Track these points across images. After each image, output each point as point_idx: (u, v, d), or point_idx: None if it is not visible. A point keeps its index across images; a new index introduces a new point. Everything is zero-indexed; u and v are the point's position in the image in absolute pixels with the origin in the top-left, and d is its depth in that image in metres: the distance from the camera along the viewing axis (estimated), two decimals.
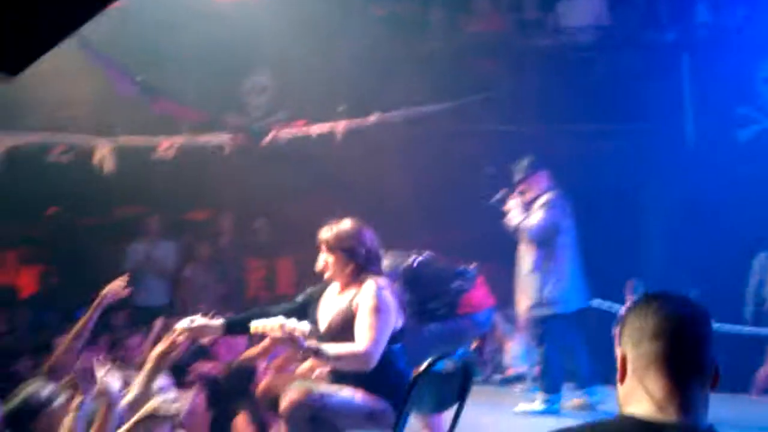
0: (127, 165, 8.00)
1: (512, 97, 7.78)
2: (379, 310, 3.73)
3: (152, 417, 2.88)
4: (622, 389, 1.60)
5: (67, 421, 2.90)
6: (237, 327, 4.10)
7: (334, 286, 4.05)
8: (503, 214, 6.13)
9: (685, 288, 6.03)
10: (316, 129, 7.66)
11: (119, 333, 6.49)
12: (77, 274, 8.15)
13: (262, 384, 4.19)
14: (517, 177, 6.19)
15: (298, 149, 7.61)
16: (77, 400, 2.96)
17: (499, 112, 7.79)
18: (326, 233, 4.00)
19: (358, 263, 3.91)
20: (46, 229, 11.71)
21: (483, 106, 7.70)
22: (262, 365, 4.79)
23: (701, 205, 7.55)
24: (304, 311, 4.04)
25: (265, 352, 4.54)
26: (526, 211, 6.07)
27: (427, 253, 4.78)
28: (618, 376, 1.60)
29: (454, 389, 3.10)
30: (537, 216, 6.01)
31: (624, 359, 1.61)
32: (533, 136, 7.45)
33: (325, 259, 3.99)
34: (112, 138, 8.06)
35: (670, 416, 1.52)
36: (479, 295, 4.75)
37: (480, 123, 7.67)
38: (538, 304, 6.04)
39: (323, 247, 4.00)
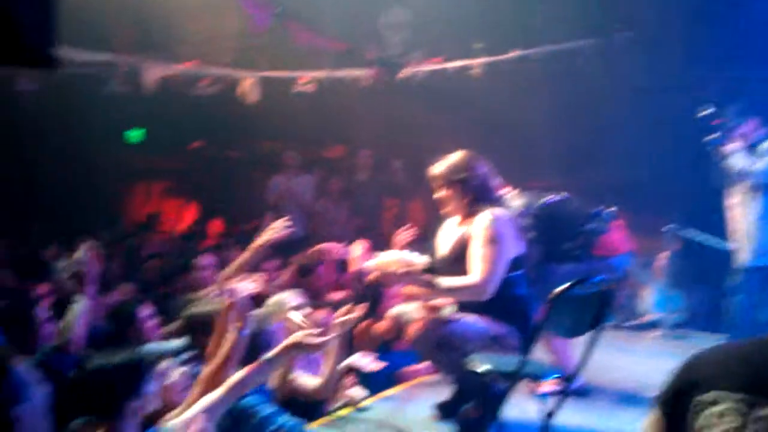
0: (268, 99, 8.21)
1: (656, 35, 7.38)
2: (493, 240, 3.72)
3: (298, 346, 3.01)
4: None
5: (231, 335, 3.14)
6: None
7: (452, 219, 4.04)
8: (720, 157, 5.84)
9: None
10: (454, 65, 7.57)
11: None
12: (219, 205, 8.52)
13: (390, 312, 4.31)
14: (735, 122, 5.90)
15: (435, 86, 7.55)
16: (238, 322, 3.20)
17: (643, 50, 7.41)
18: (439, 168, 3.98)
19: (474, 194, 3.89)
20: (191, 162, 12.29)
21: (627, 43, 7.34)
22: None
23: None
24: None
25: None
26: (748, 156, 5.80)
27: (563, 194, 4.69)
28: None
29: (589, 316, 3.06)
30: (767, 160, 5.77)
31: None
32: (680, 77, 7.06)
33: (440, 195, 3.99)
34: (254, 71, 8.28)
35: None
36: (616, 238, 4.63)
37: (623, 61, 7.33)
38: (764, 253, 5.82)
39: (438, 183, 4.00)
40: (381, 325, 4.96)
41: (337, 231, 8.23)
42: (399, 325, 4.09)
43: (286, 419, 3.52)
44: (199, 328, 3.84)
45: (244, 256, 4.39)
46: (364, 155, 9.19)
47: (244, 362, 2.99)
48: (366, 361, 4.43)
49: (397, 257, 3.64)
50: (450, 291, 3.73)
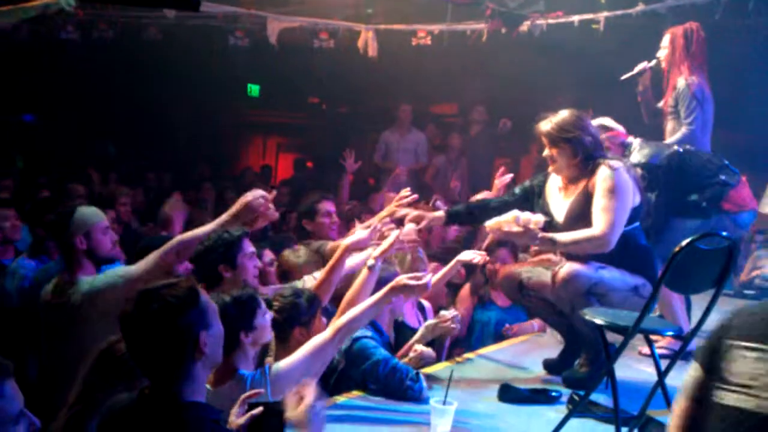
0: (385, 53, 8.20)
1: None
2: (615, 192, 3.66)
3: (403, 288, 3.06)
4: None
5: (363, 272, 3.47)
6: (456, 217, 4.35)
7: (557, 179, 3.97)
8: None
9: None
10: (576, 18, 7.30)
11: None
12: (331, 161, 8.62)
13: (504, 270, 4.28)
14: None
15: (555, 41, 7.32)
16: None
17: None
18: (546, 126, 3.87)
19: (586, 151, 3.79)
20: (305, 117, 12.49)
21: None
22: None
23: None
24: (523, 203, 4.04)
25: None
26: None
27: (691, 147, 4.52)
28: None
29: (713, 273, 2.93)
30: None
31: None
32: None
33: (549, 153, 3.89)
34: (373, 25, 8.27)
35: None
36: (743, 194, 4.41)
37: (755, 18, 6.89)
38: None
39: (545, 141, 3.89)
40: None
41: (446, 187, 8.20)
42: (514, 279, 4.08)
43: (399, 362, 3.59)
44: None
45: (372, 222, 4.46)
46: (478, 111, 9.07)
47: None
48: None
49: (513, 215, 3.61)
50: (573, 244, 3.69)
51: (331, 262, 3.63)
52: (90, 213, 3.57)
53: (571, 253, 3.83)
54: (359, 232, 3.74)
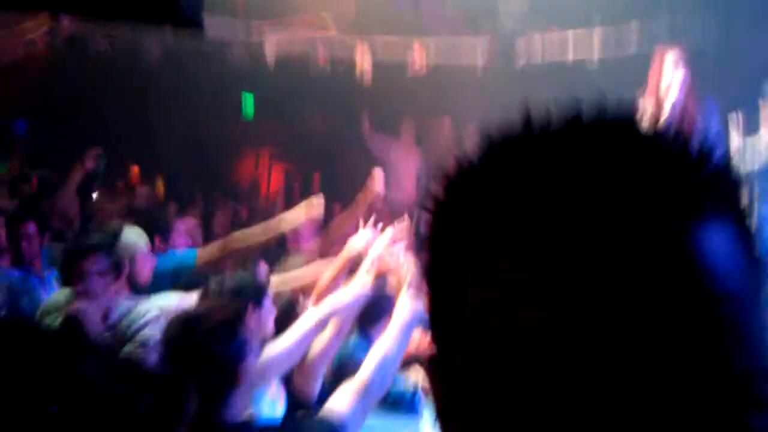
0: (381, 73, 8.17)
1: None
2: None
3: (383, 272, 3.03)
4: None
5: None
6: None
7: None
8: None
9: None
10: (572, 35, 7.27)
11: None
12: (327, 176, 8.56)
13: None
14: None
15: (555, 67, 7.26)
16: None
17: None
18: None
19: None
20: (299, 133, 12.45)
21: None
22: None
23: None
24: None
25: None
26: None
27: None
28: None
29: None
30: None
31: None
32: None
33: None
34: (369, 37, 8.23)
35: None
36: None
37: None
38: None
39: None
40: None
41: None
42: None
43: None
44: None
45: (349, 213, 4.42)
46: (471, 131, 9.02)
47: None
48: None
49: None
50: None
51: (336, 264, 3.46)
52: (136, 237, 3.43)
53: None
54: (365, 232, 3.51)
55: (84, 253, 3.22)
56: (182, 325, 1.94)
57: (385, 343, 2.44)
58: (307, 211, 3.91)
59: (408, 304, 2.60)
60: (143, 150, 10.39)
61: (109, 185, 8.35)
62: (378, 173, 4.49)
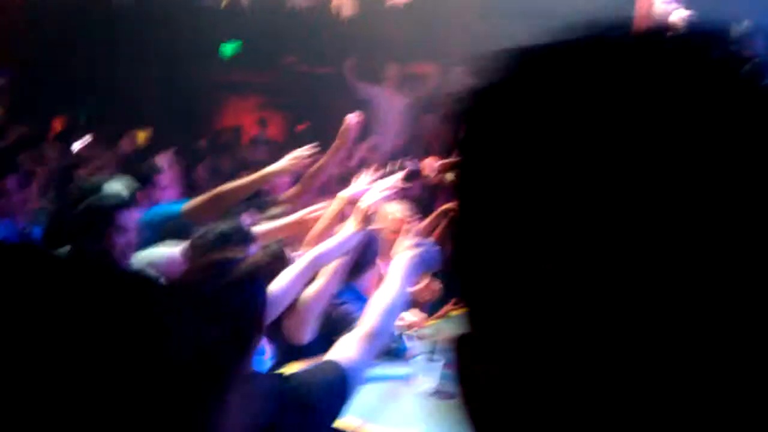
0: (361, 11, 8.04)
1: None
2: None
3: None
4: None
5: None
6: None
7: None
8: None
9: None
10: None
11: None
12: (315, 122, 8.49)
13: None
14: None
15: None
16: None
17: None
18: None
19: None
20: (283, 78, 12.31)
21: None
22: None
23: None
24: None
25: None
26: None
27: None
28: None
29: None
30: None
31: None
32: None
33: None
34: None
35: None
36: None
37: None
38: None
39: None
40: None
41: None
42: None
43: None
44: None
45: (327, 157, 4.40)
46: (456, 72, 8.94)
47: None
48: None
49: None
50: None
51: (328, 214, 3.44)
52: (118, 189, 3.42)
53: None
54: (358, 183, 3.46)
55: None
56: (215, 275, 1.89)
57: (387, 288, 2.43)
58: (294, 161, 3.87)
59: (407, 250, 2.57)
60: (124, 101, 10.27)
61: (92, 136, 8.26)
62: (351, 119, 4.45)
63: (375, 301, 2.38)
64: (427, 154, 6.14)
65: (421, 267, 2.56)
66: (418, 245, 2.58)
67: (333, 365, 2.10)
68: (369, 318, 2.31)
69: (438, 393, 3.01)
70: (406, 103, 8.77)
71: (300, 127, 10.74)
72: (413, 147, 8.19)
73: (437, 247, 2.72)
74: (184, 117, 10.92)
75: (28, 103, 9.98)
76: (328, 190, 4.15)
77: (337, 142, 4.47)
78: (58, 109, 10.09)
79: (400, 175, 3.56)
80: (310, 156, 3.99)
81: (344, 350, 2.17)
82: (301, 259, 2.87)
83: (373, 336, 2.26)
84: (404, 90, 9.02)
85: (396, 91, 8.72)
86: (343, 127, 4.48)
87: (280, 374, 2.15)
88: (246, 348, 1.91)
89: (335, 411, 2.05)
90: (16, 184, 4.53)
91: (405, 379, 3.13)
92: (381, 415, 2.79)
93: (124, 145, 8.02)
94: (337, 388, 2.03)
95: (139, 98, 10.52)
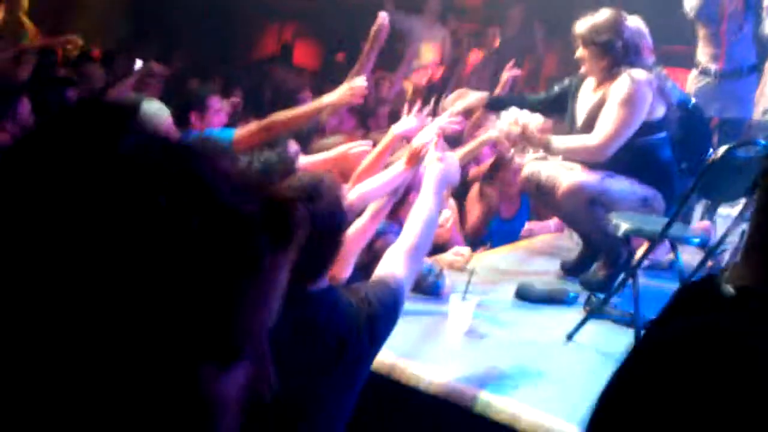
0: None
1: None
2: (626, 103, 3.63)
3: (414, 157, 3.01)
4: None
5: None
6: (495, 105, 4.24)
7: (591, 81, 3.93)
8: None
9: None
10: None
11: None
12: (350, 50, 8.37)
13: (525, 171, 4.13)
14: None
15: None
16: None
17: None
18: (581, 26, 3.81)
19: (614, 57, 3.72)
20: (319, 4, 12.14)
21: None
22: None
23: None
24: (560, 102, 4.04)
25: None
26: None
27: None
28: None
29: (747, 182, 2.87)
30: None
31: None
32: None
33: (581, 54, 3.85)
34: None
35: None
36: None
37: None
38: None
39: (579, 41, 3.84)
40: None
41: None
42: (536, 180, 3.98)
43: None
44: None
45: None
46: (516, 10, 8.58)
47: None
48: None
49: (514, 116, 3.60)
50: (566, 151, 3.75)
51: (378, 149, 3.41)
52: (156, 109, 3.44)
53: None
54: (409, 119, 3.40)
55: None
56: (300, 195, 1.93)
57: (424, 202, 2.49)
58: (351, 91, 3.80)
59: (437, 166, 2.60)
60: (161, 24, 10.21)
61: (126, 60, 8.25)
62: (383, 17, 4.44)
63: (414, 215, 2.44)
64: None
65: (446, 180, 2.64)
66: (441, 159, 2.64)
67: (390, 278, 2.22)
68: (411, 231, 2.39)
69: (470, 332, 3.07)
70: (445, 34, 8.60)
71: (340, 56, 10.62)
72: (453, 80, 8.09)
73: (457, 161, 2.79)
74: (222, 43, 10.87)
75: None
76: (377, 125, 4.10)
77: (368, 46, 4.50)
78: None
79: (448, 113, 3.55)
80: (366, 88, 3.89)
81: (394, 264, 2.29)
82: (350, 194, 2.87)
83: (417, 248, 2.36)
84: (446, 21, 8.82)
85: (436, 21, 8.54)
86: (375, 28, 4.46)
87: (349, 287, 2.21)
88: (324, 265, 2.01)
89: (395, 321, 2.19)
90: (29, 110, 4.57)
91: (439, 316, 3.18)
92: (415, 351, 2.85)
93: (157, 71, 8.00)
94: (394, 300, 2.17)
95: (177, 22, 10.45)
